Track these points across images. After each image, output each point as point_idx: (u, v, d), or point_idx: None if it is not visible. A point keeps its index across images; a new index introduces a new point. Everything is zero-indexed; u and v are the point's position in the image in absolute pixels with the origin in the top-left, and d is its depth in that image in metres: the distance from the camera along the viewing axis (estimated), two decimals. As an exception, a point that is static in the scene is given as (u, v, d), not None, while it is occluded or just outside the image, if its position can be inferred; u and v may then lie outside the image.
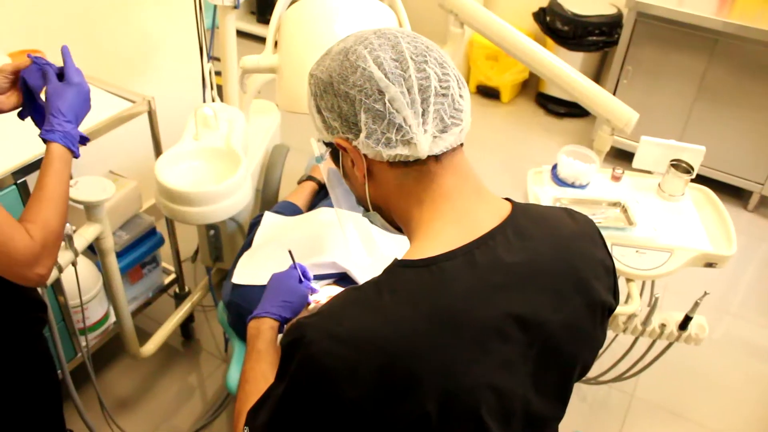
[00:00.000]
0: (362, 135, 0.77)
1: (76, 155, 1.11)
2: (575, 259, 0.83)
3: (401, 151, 0.77)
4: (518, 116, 3.70)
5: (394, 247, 1.33)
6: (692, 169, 1.75)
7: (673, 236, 1.66)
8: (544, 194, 1.75)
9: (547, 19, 3.37)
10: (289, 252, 1.15)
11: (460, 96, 0.80)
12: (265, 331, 1.03)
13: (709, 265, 1.66)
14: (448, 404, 0.71)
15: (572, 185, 1.78)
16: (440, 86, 0.77)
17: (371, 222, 0.90)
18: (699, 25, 2.72)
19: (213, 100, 1.95)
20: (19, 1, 1.71)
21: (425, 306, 0.72)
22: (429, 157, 0.78)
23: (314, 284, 1.18)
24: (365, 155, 0.80)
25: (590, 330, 0.85)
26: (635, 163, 1.84)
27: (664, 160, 1.79)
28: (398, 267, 0.77)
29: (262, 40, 4.11)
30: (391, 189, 0.82)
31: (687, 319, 1.70)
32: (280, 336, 1.06)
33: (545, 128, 3.58)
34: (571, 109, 3.60)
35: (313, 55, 1.42)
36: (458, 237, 0.77)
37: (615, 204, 1.73)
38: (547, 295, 0.79)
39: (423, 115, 0.77)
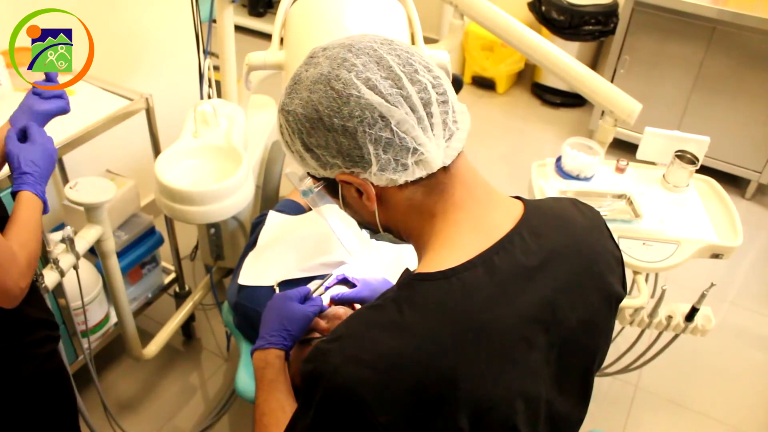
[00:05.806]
0: (374, 167, 0.72)
1: (45, 210, 1.10)
2: (590, 254, 0.82)
3: (419, 174, 0.74)
4: (514, 107, 3.68)
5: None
6: (697, 159, 1.74)
7: (680, 228, 1.65)
8: (549, 187, 1.73)
9: (543, 8, 3.35)
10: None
11: (454, 96, 0.77)
12: (272, 361, 1.00)
13: (715, 256, 1.66)
14: (480, 418, 0.70)
15: (577, 177, 1.77)
16: (437, 93, 0.74)
17: (378, 240, 0.87)
18: (695, 13, 2.71)
19: (210, 97, 1.91)
20: (9, -3, 1.66)
21: (449, 320, 0.70)
22: (438, 168, 0.75)
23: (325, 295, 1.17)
24: (375, 184, 0.75)
25: (604, 323, 0.85)
26: (639, 155, 1.83)
27: (668, 151, 1.77)
28: (415, 281, 0.73)
29: (254, 33, 4.07)
30: (403, 209, 0.78)
31: (693, 311, 1.70)
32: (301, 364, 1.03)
33: (541, 118, 3.57)
34: (566, 99, 3.59)
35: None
36: (475, 244, 0.75)
37: (620, 196, 1.72)
38: (566, 294, 0.78)
39: (432, 129, 0.73)
